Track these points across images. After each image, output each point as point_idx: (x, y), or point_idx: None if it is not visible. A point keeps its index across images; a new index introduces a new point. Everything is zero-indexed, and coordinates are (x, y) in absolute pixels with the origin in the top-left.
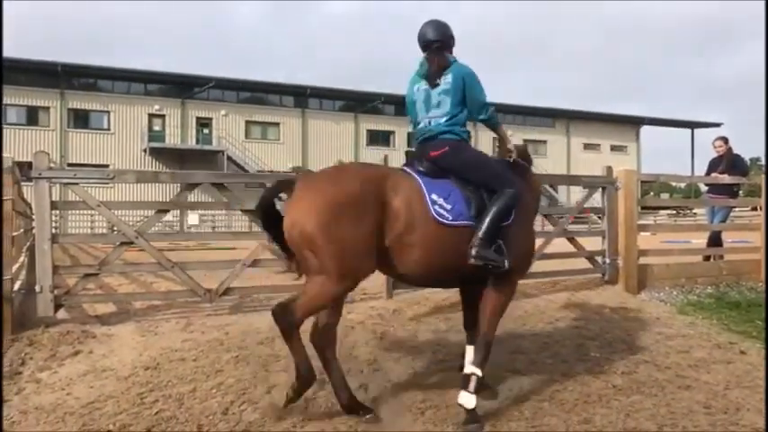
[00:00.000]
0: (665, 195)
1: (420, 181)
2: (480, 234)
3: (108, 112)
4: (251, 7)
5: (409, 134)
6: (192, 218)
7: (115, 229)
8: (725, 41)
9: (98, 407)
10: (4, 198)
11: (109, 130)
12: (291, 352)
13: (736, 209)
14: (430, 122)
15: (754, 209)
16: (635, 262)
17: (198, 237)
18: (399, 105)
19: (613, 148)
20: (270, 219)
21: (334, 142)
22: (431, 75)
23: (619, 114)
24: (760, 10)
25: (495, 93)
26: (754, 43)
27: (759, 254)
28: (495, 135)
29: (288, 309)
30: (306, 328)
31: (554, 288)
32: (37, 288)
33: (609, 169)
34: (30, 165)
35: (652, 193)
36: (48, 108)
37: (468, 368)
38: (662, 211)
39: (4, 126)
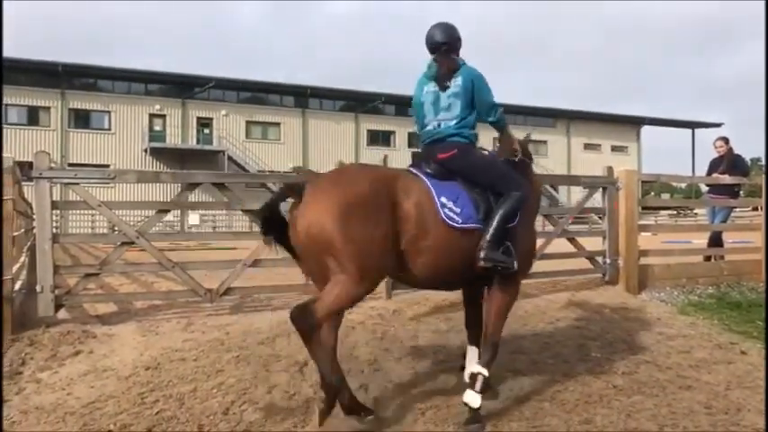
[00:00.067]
0: (665, 195)
1: (428, 183)
2: (488, 236)
3: (108, 112)
4: (251, 7)
5: (410, 134)
6: (193, 218)
7: (116, 228)
8: (725, 41)
9: (99, 407)
10: (5, 198)
11: (109, 130)
12: (312, 356)
13: (737, 209)
14: (439, 125)
15: (755, 209)
16: (636, 262)
17: (198, 237)
18: (400, 105)
19: (614, 149)
20: (273, 223)
21: (335, 142)
22: (440, 77)
23: (619, 114)
24: (760, 10)
25: (495, 93)
26: (754, 43)
27: (760, 254)
28: (497, 135)
29: (307, 310)
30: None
31: (555, 288)
32: (38, 288)
33: (609, 169)
34: (30, 165)
35: (653, 194)
36: (48, 108)
37: (476, 368)
38: (662, 212)
39: (5, 126)
